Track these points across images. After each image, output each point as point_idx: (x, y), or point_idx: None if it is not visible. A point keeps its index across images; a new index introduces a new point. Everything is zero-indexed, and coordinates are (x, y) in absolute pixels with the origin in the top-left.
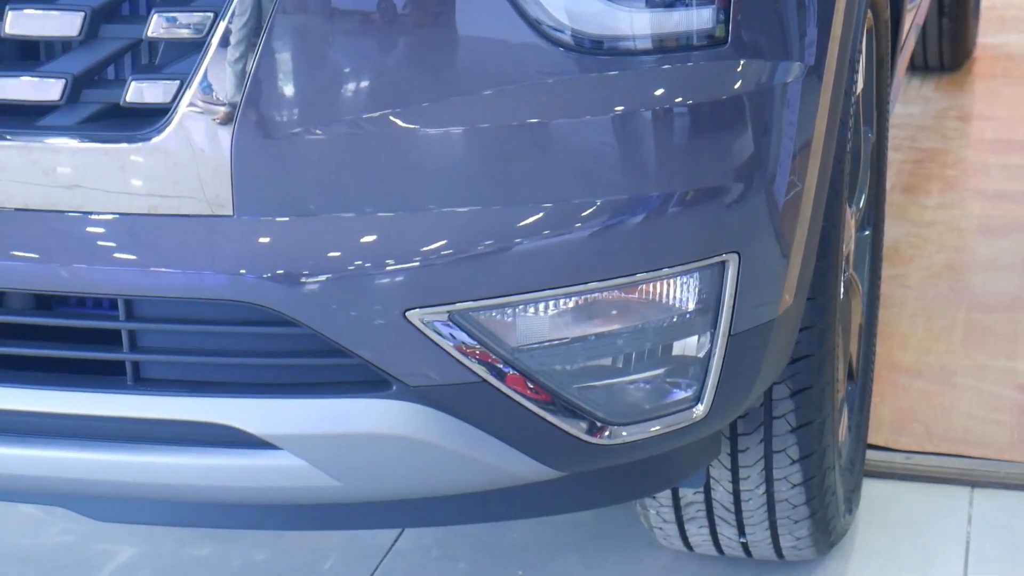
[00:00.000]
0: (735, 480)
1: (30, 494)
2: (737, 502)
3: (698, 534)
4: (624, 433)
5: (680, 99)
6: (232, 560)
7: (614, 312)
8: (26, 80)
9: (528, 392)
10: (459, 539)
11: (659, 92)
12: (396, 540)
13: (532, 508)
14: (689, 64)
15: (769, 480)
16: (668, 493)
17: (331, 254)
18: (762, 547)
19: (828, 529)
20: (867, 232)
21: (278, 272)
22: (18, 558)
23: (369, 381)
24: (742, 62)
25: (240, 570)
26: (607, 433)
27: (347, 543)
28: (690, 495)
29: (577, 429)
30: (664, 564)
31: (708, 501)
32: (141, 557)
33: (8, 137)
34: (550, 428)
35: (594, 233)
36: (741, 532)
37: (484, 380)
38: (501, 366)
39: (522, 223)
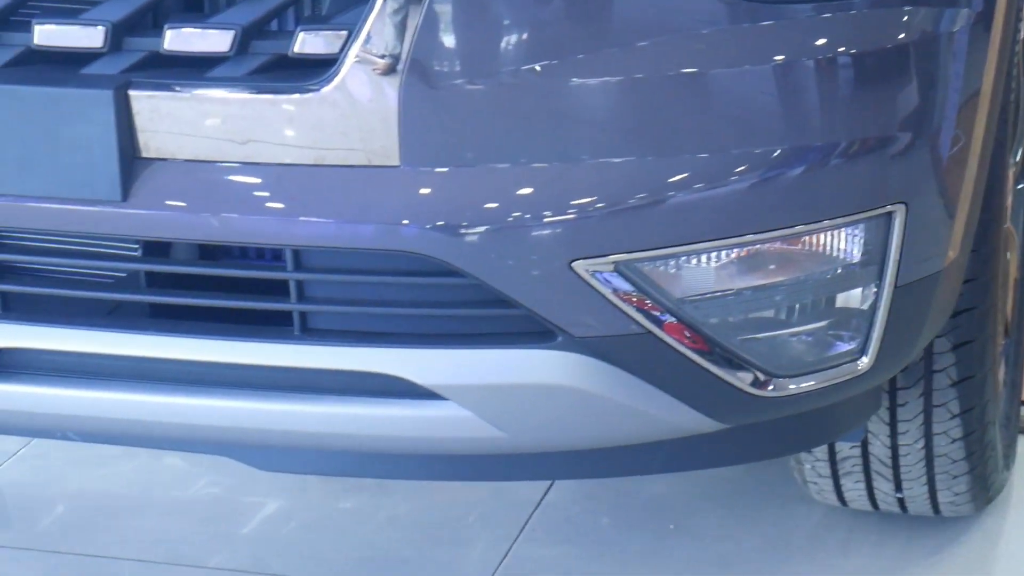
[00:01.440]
0: (893, 435)
1: (197, 444)
2: (895, 457)
3: (854, 489)
4: (789, 385)
5: (844, 48)
6: (378, 513)
7: (779, 263)
8: (196, 32)
9: (692, 343)
10: (604, 492)
11: (823, 41)
12: (546, 493)
13: (693, 461)
14: (852, 12)
15: (928, 435)
16: (824, 448)
17: (498, 204)
18: (919, 503)
19: (986, 484)
20: (1022, 186)
21: (445, 222)
22: (168, 510)
23: (535, 332)
24: (907, 9)
25: (386, 523)
26: (772, 385)
27: (495, 495)
28: (847, 450)
29: (742, 381)
30: (816, 519)
31: (865, 456)
32: (288, 509)
33: (177, 88)
34: (715, 380)
35: (761, 184)
36: (898, 487)
37: (649, 331)
38: (665, 317)
39: (687, 174)
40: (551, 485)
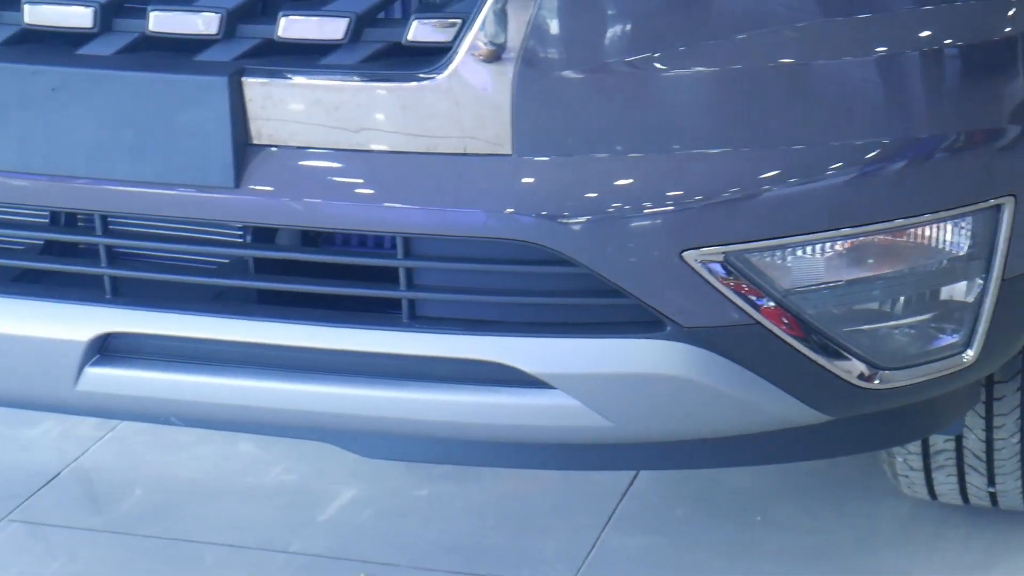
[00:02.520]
0: (989, 428)
1: (300, 430)
2: (989, 451)
3: (945, 483)
4: (894, 378)
5: (951, 40)
6: (460, 500)
7: (886, 255)
8: (311, 19)
9: (800, 334)
10: (688, 483)
11: (929, 32)
12: (631, 483)
13: (792, 453)
14: (958, 3)
15: None
16: (918, 441)
17: (610, 193)
18: (1011, 497)
19: None
20: None
21: (557, 211)
22: (245, 495)
23: (643, 322)
24: (1014, 1)
25: (469, 510)
26: (877, 378)
27: (578, 484)
28: (940, 443)
29: (848, 373)
30: (905, 512)
31: (959, 450)
32: (363, 497)
33: (290, 76)
34: (821, 371)
35: (869, 176)
36: (991, 481)
37: (757, 321)
38: (774, 308)
39: (796, 165)
40: (636, 475)
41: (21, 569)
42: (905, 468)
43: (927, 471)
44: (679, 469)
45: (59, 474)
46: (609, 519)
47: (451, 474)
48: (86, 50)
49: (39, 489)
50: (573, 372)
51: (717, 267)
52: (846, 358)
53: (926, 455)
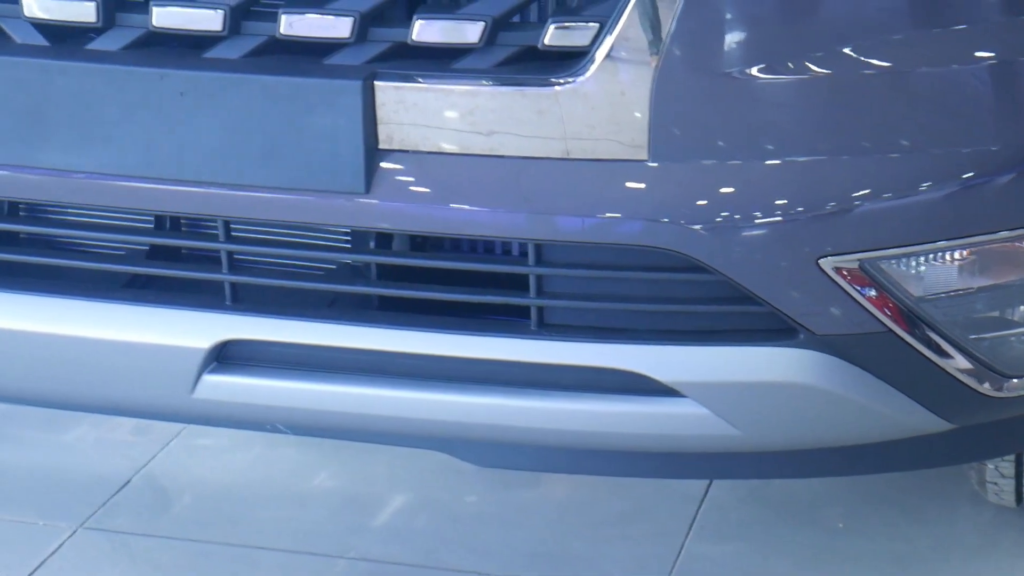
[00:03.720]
0: None
1: (413, 438)
2: None
3: None
4: (1021, 386)
5: None
6: (528, 507)
7: (1018, 262)
8: (446, 23)
9: (931, 343)
10: (766, 490)
11: None
12: (707, 489)
13: (908, 461)
14: None
15: None
16: None
17: (747, 201)
18: None
19: None
20: None
21: (693, 218)
22: (293, 501)
23: (776, 330)
24: None
25: (538, 518)
26: (1004, 385)
27: (656, 491)
28: None
29: (975, 381)
30: (986, 519)
31: None
32: (416, 503)
33: (423, 80)
34: (949, 379)
35: (1003, 183)
36: None
37: (889, 329)
38: (906, 315)
39: (933, 172)
40: (711, 481)
41: None
42: (995, 475)
43: (1018, 478)
44: (789, 478)
45: (130, 481)
46: (691, 526)
47: (514, 480)
48: (214, 53)
49: (113, 496)
50: (704, 380)
51: (852, 274)
52: (974, 366)
53: (1019, 462)
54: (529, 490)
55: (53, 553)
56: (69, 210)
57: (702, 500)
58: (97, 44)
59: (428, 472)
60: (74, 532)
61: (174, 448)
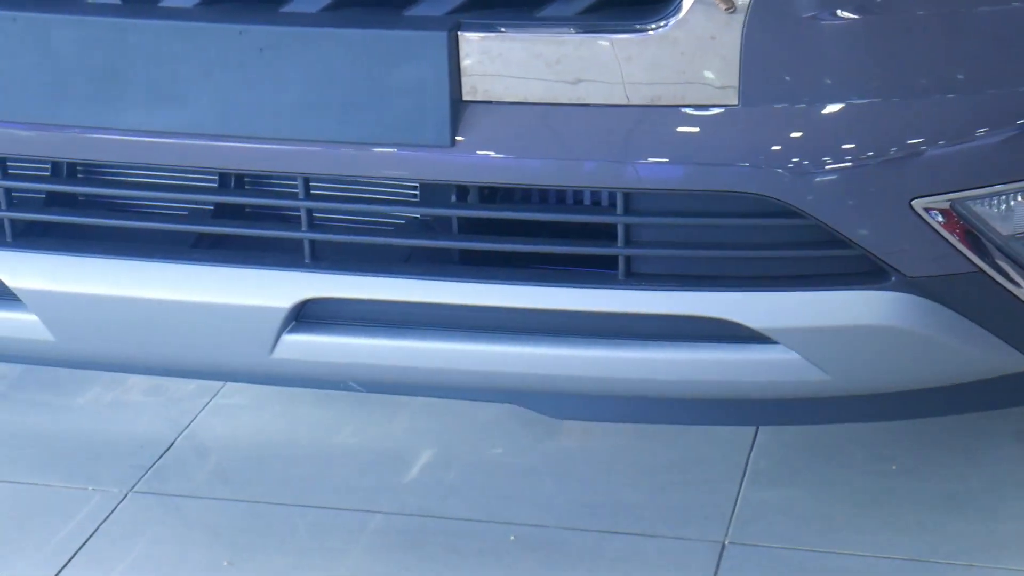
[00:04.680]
0: None
1: (489, 391)
2: None
3: None
4: None
5: None
6: (576, 458)
7: None
8: None
9: (1019, 281)
10: (812, 432)
11: None
12: (756, 435)
13: (980, 402)
14: None
15: None
16: None
17: (840, 144)
18: None
19: None
20: None
21: (785, 163)
22: (321, 458)
23: (867, 272)
24: None
25: (588, 469)
26: None
27: (704, 437)
28: None
29: None
30: None
31: None
32: (444, 456)
33: (508, 29)
34: None
35: None
36: None
37: (980, 270)
38: (995, 254)
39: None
40: (758, 428)
41: (163, 540)
42: None
43: None
44: (868, 422)
45: (174, 443)
46: (744, 473)
47: (545, 431)
48: (292, 8)
49: (159, 459)
50: (796, 326)
51: (943, 215)
52: None
53: None
54: (570, 440)
55: (107, 518)
56: (140, 171)
57: (751, 446)
58: (171, 1)
59: (452, 426)
60: (125, 496)
61: (212, 409)
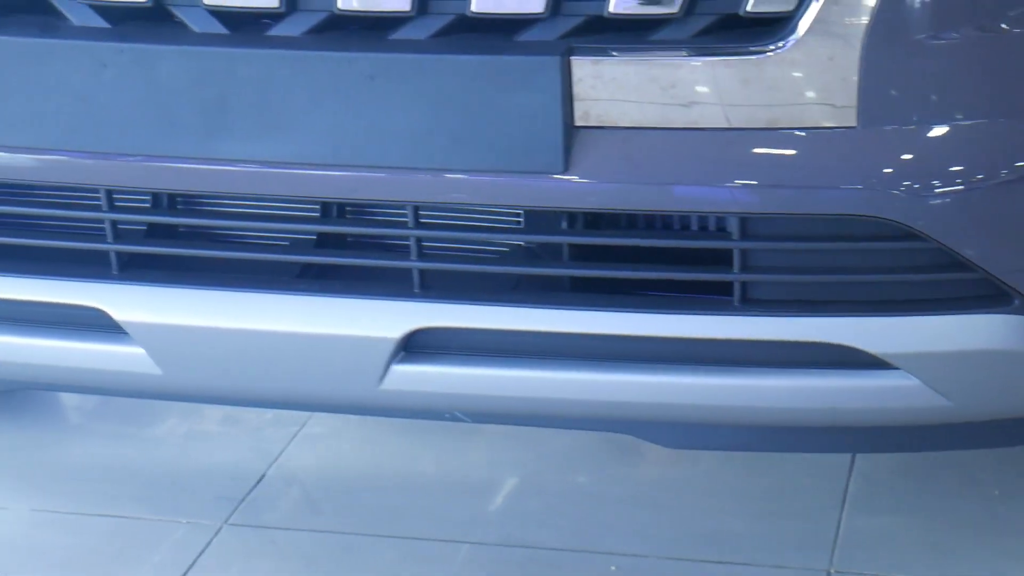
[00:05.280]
0: None
1: (605, 421)
2: None
3: None
4: None
5: None
6: (670, 485)
7: None
8: None
9: None
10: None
11: None
12: (853, 461)
13: None
14: None
15: None
16: None
17: (961, 165)
18: None
19: None
20: None
21: (905, 185)
22: (406, 488)
23: (989, 296)
24: None
25: (686, 497)
26: None
27: (800, 465)
28: None
29: None
30: None
31: None
32: (526, 484)
33: (622, 53)
34: None
35: None
36: None
37: None
38: None
39: None
40: (855, 454)
41: (261, 573)
42: None
43: None
44: (993, 447)
45: (265, 474)
46: (843, 500)
47: (624, 459)
48: (401, 34)
49: (251, 491)
50: (916, 351)
51: None
52: None
53: None
54: (657, 468)
55: (203, 551)
56: (245, 202)
57: (849, 473)
58: (279, 30)
59: (532, 453)
60: (219, 529)
61: (299, 439)
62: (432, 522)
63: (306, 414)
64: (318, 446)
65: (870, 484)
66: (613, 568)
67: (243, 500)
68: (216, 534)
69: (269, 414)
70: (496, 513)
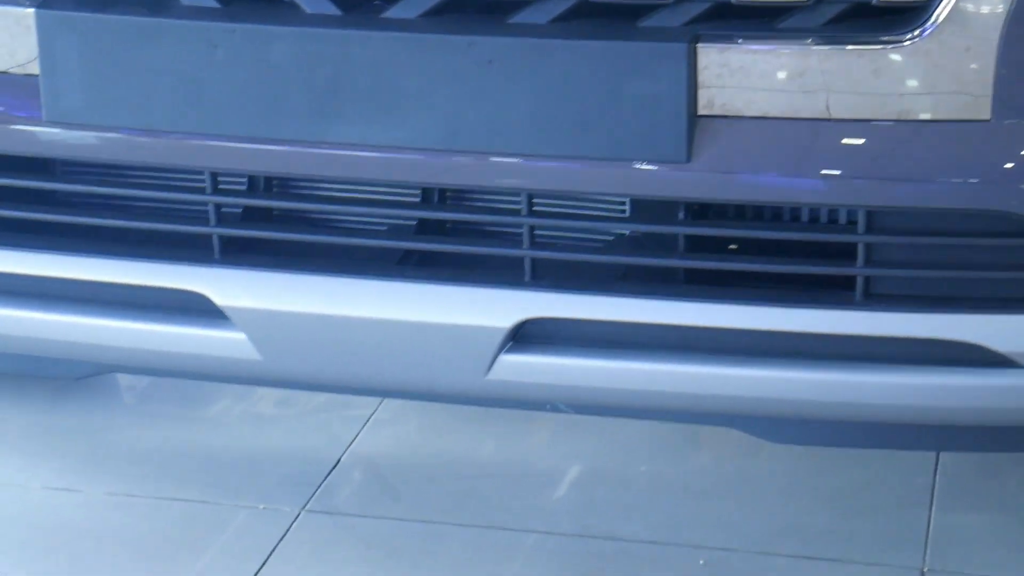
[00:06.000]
0: None
1: (712, 414)
2: None
3: None
4: None
5: None
6: (749, 479)
7: None
8: None
9: None
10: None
11: None
12: (937, 459)
13: None
14: None
15: None
16: None
17: None
18: None
19: None
20: None
21: None
22: (473, 473)
23: None
24: None
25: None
26: None
27: (885, 462)
28: None
29: None
30: None
31: None
32: (603, 474)
33: (749, 41)
34: None
35: None
36: None
37: None
38: None
39: None
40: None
41: (345, 562)
42: None
43: None
44: None
45: (340, 460)
46: (932, 496)
47: (693, 446)
48: (520, 18)
49: (326, 477)
50: None
51: None
52: None
53: None
54: (738, 462)
55: (283, 537)
56: (350, 186)
57: (935, 469)
58: (393, 12)
59: (602, 444)
60: (297, 516)
61: (372, 424)
62: (510, 511)
63: (374, 399)
64: (389, 432)
65: (956, 481)
66: (701, 562)
67: (319, 486)
68: (295, 520)
69: (321, 397)
70: (574, 503)
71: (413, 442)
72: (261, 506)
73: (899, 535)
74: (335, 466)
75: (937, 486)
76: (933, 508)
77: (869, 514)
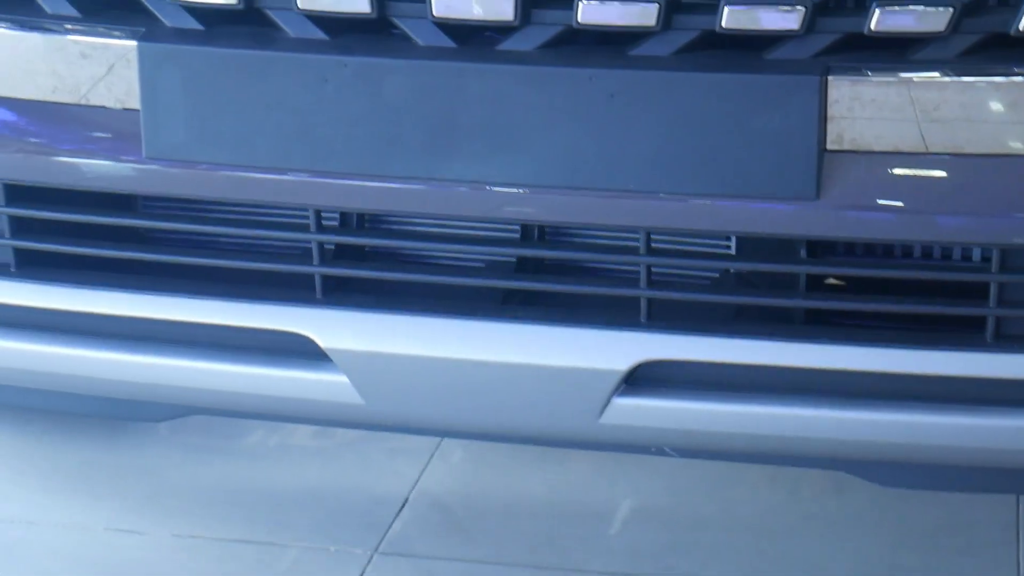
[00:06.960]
0: None
1: (824, 459)
2: None
3: None
4: None
5: None
6: (775, 518)
7: None
8: (911, 9)
9: None
10: None
11: None
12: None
13: None
14: None
15: None
16: None
17: None
18: None
19: None
20: None
21: None
22: (546, 512)
23: None
24: None
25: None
26: None
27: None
28: None
29: None
30: None
31: None
32: (642, 509)
33: (873, 73)
34: None
35: None
36: None
37: None
38: None
39: None
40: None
41: None
42: None
43: None
44: None
45: (408, 498)
46: (1018, 536)
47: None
48: (642, 51)
49: (396, 515)
50: None
51: None
52: None
53: None
54: (817, 501)
55: None
56: (453, 224)
57: (1017, 507)
58: (510, 44)
59: (674, 482)
60: (371, 559)
61: (436, 459)
62: (590, 551)
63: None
64: (455, 467)
65: None
66: None
67: (389, 526)
68: (368, 563)
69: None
70: (653, 543)
71: (481, 479)
72: (332, 548)
73: (989, 574)
74: (404, 504)
75: (1022, 523)
76: (1021, 547)
77: (958, 553)
